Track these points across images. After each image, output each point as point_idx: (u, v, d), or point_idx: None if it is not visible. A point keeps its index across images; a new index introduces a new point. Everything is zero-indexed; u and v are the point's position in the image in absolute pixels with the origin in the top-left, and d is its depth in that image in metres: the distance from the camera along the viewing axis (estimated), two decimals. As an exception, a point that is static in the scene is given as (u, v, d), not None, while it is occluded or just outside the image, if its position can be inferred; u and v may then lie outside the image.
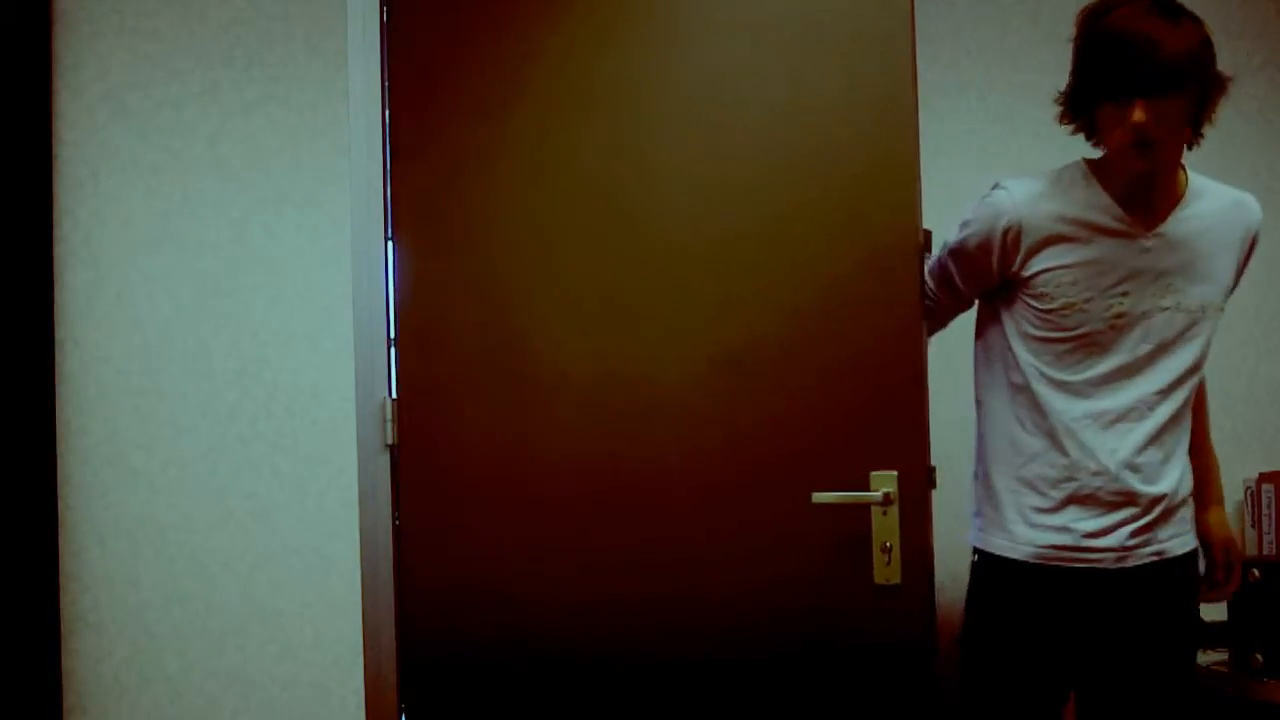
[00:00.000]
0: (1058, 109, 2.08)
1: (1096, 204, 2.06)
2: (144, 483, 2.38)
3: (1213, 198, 2.11)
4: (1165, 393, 2.08)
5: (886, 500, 2.17)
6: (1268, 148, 3.16)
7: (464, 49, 2.56)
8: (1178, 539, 2.13)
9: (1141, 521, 2.08)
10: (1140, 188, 2.04)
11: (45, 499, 2.29)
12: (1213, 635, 2.76)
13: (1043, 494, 2.10)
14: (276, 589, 2.44)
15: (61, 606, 2.32)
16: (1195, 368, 2.11)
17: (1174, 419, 2.10)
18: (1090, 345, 2.06)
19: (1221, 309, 2.12)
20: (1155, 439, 2.07)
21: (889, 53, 2.30)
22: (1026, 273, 2.08)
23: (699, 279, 2.43)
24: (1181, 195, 2.08)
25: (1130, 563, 2.09)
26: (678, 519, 2.45)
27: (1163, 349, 2.07)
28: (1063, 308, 2.06)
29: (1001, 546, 2.14)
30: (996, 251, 2.11)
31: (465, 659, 2.51)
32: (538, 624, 2.53)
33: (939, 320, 2.39)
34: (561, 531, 2.53)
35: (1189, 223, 2.07)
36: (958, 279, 2.22)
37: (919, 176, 2.30)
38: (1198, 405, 2.21)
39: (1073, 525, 2.08)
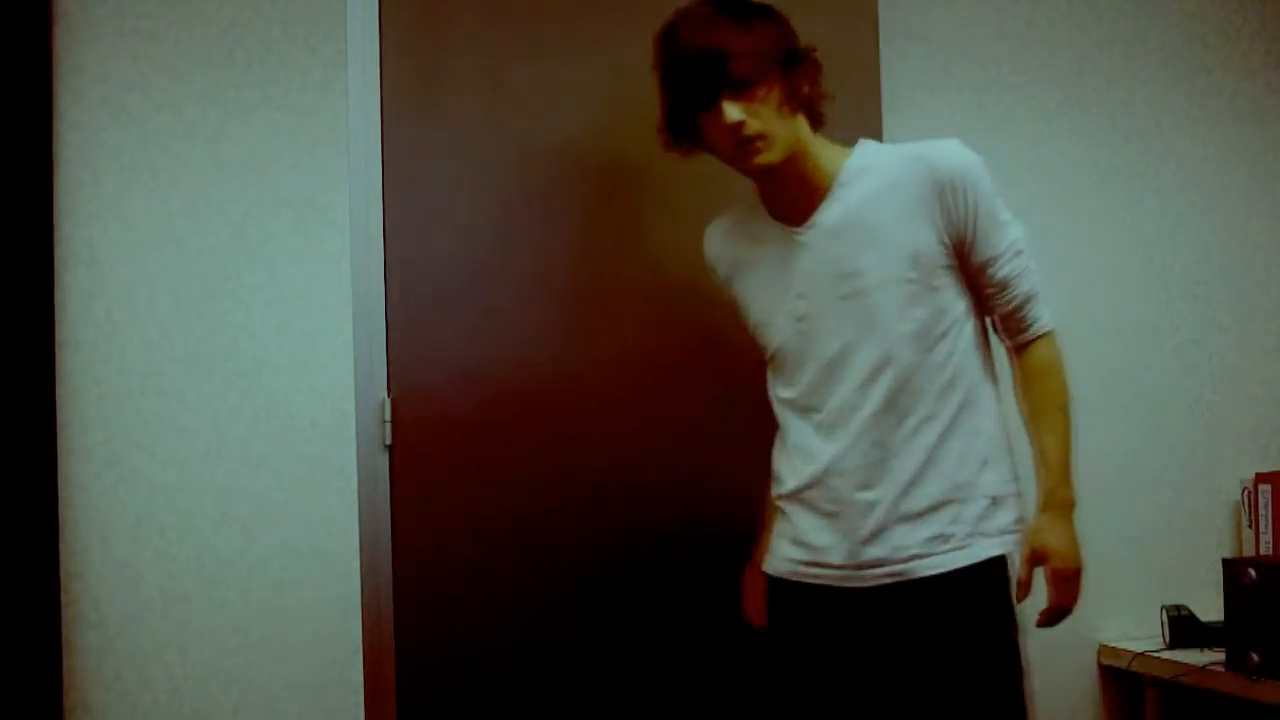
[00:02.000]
0: (661, 139, 2.03)
1: (756, 219, 2.07)
2: (144, 482, 2.40)
3: (882, 169, 1.97)
4: (867, 385, 1.93)
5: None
6: (1265, 151, 3.17)
7: (459, 53, 2.57)
8: (929, 559, 1.92)
9: (863, 531, 1.93)
10: (780, 187, 1.99)
11: (46, 498, 2.30)
12: (1210, 635, 2.77)
13: (784, 507, 2.05)
14: (277, 588, 2.45)
15: (63, 606, 2.33)
16: (896, 350, 1.93)
17: (887, 411, 1.93)
18: (790, 356, 2.01)
19: (909, 279, 1.93)
20: (864, 436, 1.93)
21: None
22: (736, 297, 2.13)
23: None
24: (832, 180, 1.98)
25: (865, 583, 1.94)
26: (676, 508, 2.47)
27: (853, 341, 1.94)
28: (755, 326, 2.08)
29: (768, 562, 2.11)
30: (717, 281, 2.18)
31: (463, 658, 2.52)
32: (534, 622, 2.54)
33: None
34: (559, 529, 2.54)
35: (845, 204, 1.96)
36: None
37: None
38: (1028, 387, 2.02)
39: (804, 538, 2.00)
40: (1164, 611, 2.86)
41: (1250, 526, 2.97)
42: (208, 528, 2.42)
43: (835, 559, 1.94)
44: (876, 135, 2.70)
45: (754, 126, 1.87)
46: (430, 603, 2.51)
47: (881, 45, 2.81)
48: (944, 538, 1.91)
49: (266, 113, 2.48)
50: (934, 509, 1.92)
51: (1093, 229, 3.01)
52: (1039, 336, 2.01)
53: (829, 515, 1.95)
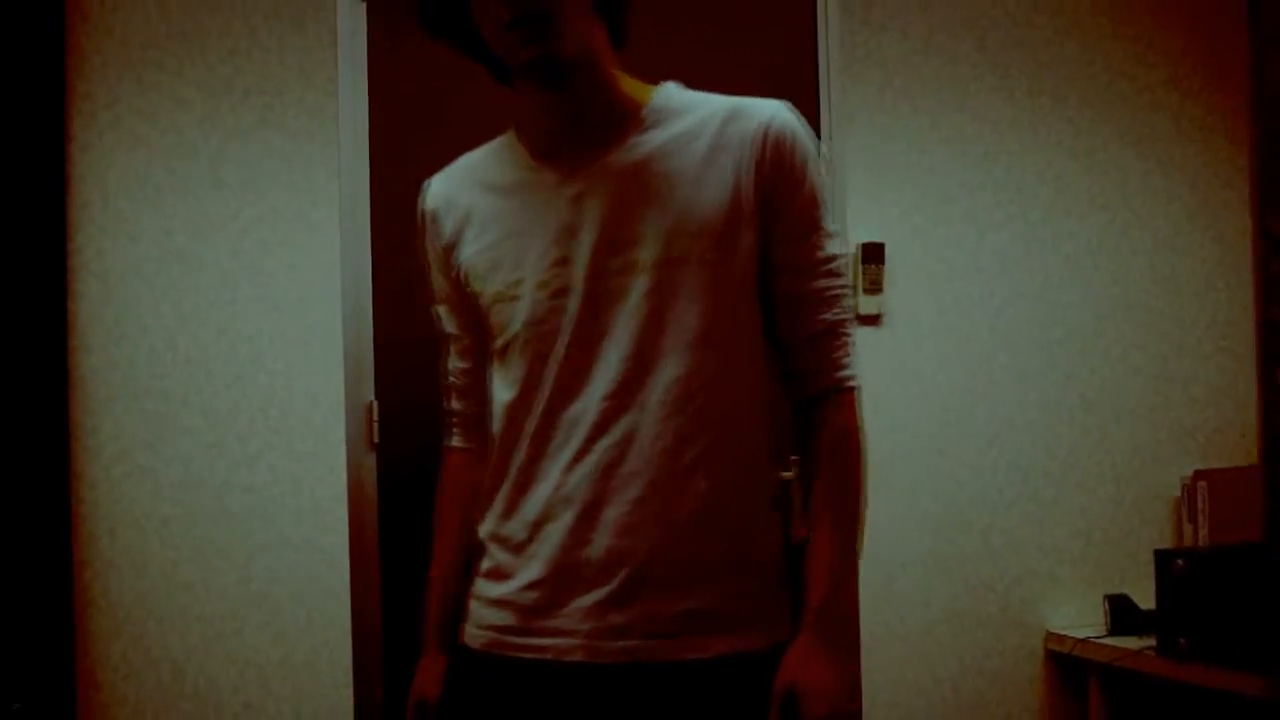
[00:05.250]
0: (418, 13, 1.52)
1: (507, 160, 1.51)
2: (149, 478, 2.57)
3: (693, 113, 1.46)
4: (625, 394, 1.39)
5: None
6: (1206, 167, 3.33)
7: (444, 79, 2.75)
8: (686, 640, 1.39)
9: (605, 589, 1.39)
10: (560, 114, 1.45)
11: (59, 493, 2.47)
12: (1147, 622, 2.94)
13: (494, 554, 1.50)
14: (272, 577, 2.62)
15: (74, 592, 2.50)
16: (680, 344, 1.40)
17: (661, 439, 1.39)
18: (531, 344, 1.44)
19: (706, 259, 1.40)
20: (617, 465, 1.39)
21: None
22: (456, 270, 1.52)
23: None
24: (630, 117, 1.45)
25: (599, 658, 1.39)
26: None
27: (616, 328, 1.40)
28: (493, 303, 1.48)
29: (465, 632, 1.52)
30: (429, 253, 1.57)
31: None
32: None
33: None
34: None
35: (643, 150, 1.43)
36: (440, 310, 1.63)
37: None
38: (822, 458, 1.46)
39: (519, 597, 1.44)
40: (1106, 600, 3.04)
41: (1190, 521, 3.13)
42: (208, 520, 2.60)
43: (562, 623, 1.41)
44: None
45: (537, 5, 1.35)
46: (415, 588, 2.68)
47: (839, 68, 2.99)
48: (711, 615, 1.40)
49: (263, 135, 2.66)
50: (701, 575, 1.40)
51: (1041, 240, 3.18)
52: (841, 391, 1.47)
53: (553, 563, 1.41)
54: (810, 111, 2.97)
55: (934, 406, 3.06)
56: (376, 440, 2.67)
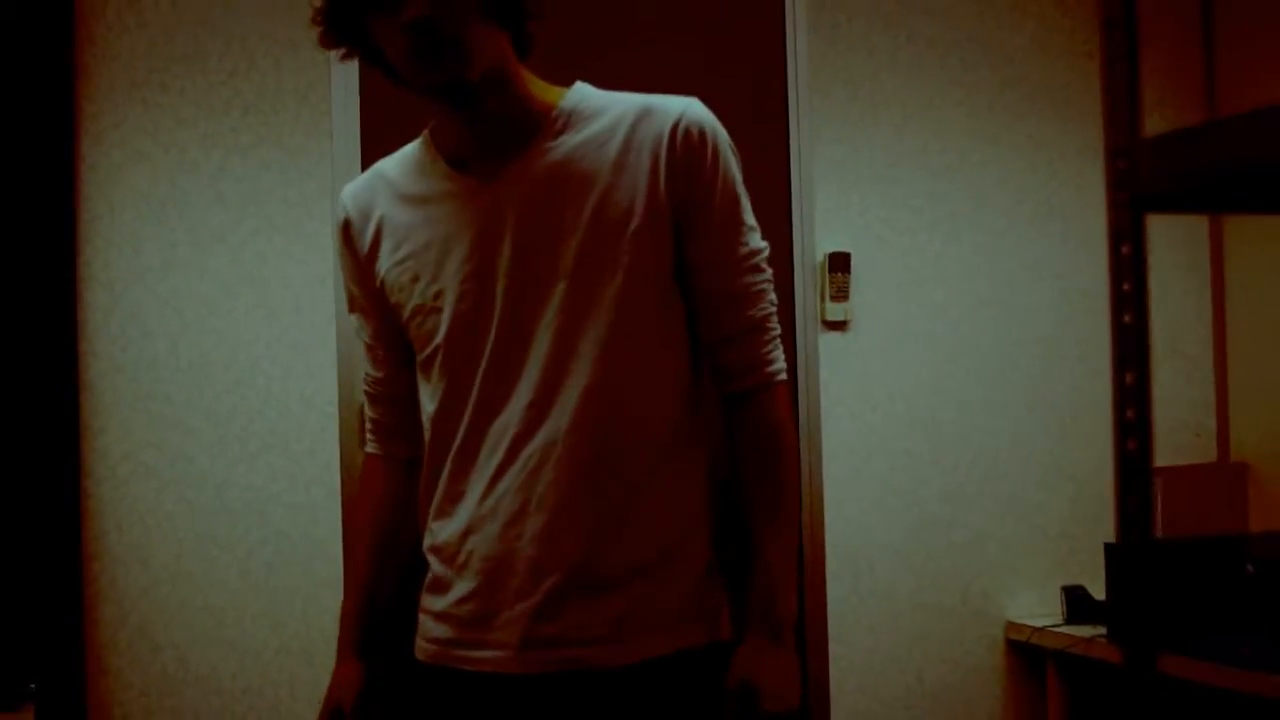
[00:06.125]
0: (317, 30, 1.49)
1: (425, 169, 1.52)
2: (154, 476, 2.71)
3: (605, 113, 1.46)
4: (545, 401, 1.40)
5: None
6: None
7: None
8: (616, 645, 1.40)
9: (530, 599, 1.40)
10: (472, 123, 1.46)
11: (71, 490, 2.61)
12: (1101, 611, 3.10)
13: (433, 566, 1.52)
14: (269, 569, 2.76)
15: (84, 583, 2.64)
16: (597, 348, 1.40)
17: (581, 444, 1.39)
18: (454, 356, 1.45)
19: (623, 263, 1.40)
20: (539, 473, 1.39)
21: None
22: (377, 281, 1.53)
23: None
24: (542, 120, 1.46)
25: (529, 669, 1.41)
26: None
27: (537, 336, 1.40)
28: (414, 315, 1.48)
29: (416, 645, 1.55)
30: (345, 261, 1.59)
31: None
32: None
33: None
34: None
35: (554, 153, 1.44)
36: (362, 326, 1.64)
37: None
38: (755, 452, 1.47)
39: (455, 610, 1.47)
40: (1063, 591, 3.19)
41: (1144, 516, 3.28)
42: (209, 516, 2.74)
43: (496, 635, 1.42)
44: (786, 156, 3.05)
45: (446, 28, 1.35)
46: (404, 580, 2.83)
47: (807, 84, 3.14)
48: (640, 618, 1.41)
49: (260, 152, 2.81)
50: (630, 577, 1.41)
51: (1003, 248, 3.33)
52: (770, 385, 1.48)
53: (484, 573, 1.43)
54: (780, 126, 3.13)
55: (899, 408, 3.20)
56: (368, 440, 2.82)
